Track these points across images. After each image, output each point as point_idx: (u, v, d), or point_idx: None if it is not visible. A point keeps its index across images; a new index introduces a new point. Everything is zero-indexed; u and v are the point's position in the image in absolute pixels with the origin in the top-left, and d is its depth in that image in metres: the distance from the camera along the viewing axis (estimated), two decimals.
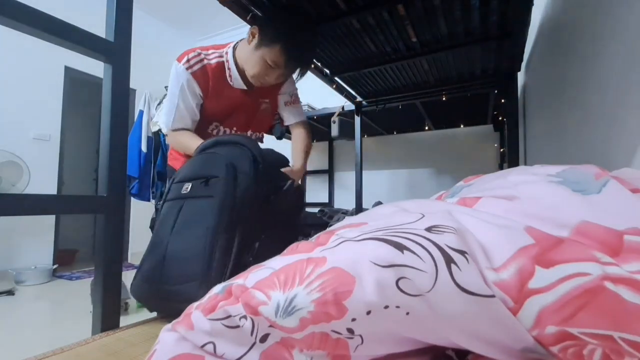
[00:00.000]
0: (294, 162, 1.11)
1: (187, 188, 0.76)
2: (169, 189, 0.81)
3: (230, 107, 1.06)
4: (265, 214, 0.81)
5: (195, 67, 0.97)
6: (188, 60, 0.97)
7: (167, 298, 0.66)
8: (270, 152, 0.89)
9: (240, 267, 0.66)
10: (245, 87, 1.03)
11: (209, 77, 1.00)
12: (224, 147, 0.84)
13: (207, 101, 1.03)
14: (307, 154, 1.17)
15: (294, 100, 1.22)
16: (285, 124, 1.25)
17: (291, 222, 0.89)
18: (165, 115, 1.02)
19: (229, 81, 1.02)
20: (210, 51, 1.01)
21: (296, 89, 1.23)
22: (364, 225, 0.38)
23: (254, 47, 0.95)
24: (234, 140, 0.85)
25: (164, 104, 1.06)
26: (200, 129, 1.09)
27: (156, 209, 0.84)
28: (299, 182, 1.02)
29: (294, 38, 0.92)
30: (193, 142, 0.96)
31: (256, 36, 0.94)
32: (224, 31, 4.74)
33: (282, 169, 0.92)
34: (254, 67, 0.97)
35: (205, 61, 0.99)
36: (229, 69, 1.01)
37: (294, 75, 1.05)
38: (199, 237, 0.68)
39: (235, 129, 1.12)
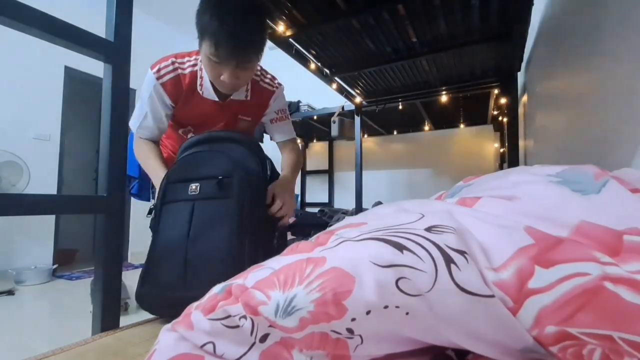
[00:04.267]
0: (282, 173, 1.04)
1: (196, 188, 0.72)
2: (164, 190, 0.77)
3: (202, 116, 1.02)
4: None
5: (166, 77, 0.93)
6: (159, 70, 0.93)
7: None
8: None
9: None
10: (216, 99, 0.97)
11: (182, 87, 0.95)
12: (222, 144, 0.80)
13: (179, 110, 1.00)
14: (295, 168, 1.11)
15: (280, 117, 1.14)
16: (275, 141, 1.20)
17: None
18: (133, 118, 0.99)
19: (199, 91, 0.96)
20: (185, 59, 0.96)
21: (285, 106, 1.15)
22: (363, 225, 0.38)
23: (199, 48, 0.86)
24: (229, 137, 0.82)
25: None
26: (173, 132, 1.09)
27: (151, 210, 0.81)
28: (285, 194, 0.92)
29: (221, 22, 0.79)
30: (151, 161, 0.95)
31: (198, 36, 0.85)
32: None
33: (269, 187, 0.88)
34: (207, 70, 0.89)
35: (179, 71, 0.94)
36: (201, 77, 0.95)
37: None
38: (224, 239, 0.68)
39: None
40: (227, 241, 0.68)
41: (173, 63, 0.94)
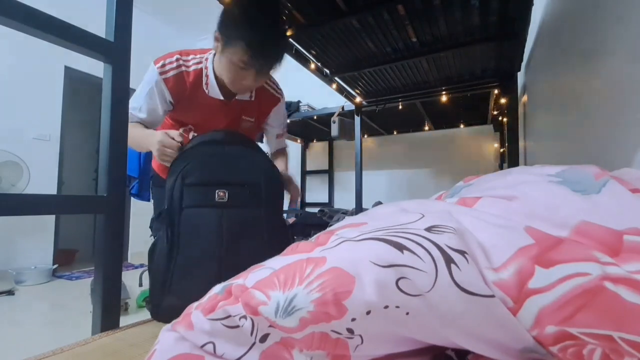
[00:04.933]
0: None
1: (225, 195, 0.70)
2: (181, 193, 0.71)
3: (205, 115, 1.01)
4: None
5: (170, 74, 0.93)
6: (163, 65, 0.93)
7: None
8: None
9: None
10: (222, 98, 0.98)
11: (186, 85, 0.95)
12: (238, 148, 0.78)
13: (180, 108, 1.00)
14: (287, 165, 1.21)
15: (284, 132, 1.24)
16: (272, 150, 1.27)
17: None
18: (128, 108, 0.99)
19: (205, 89, 0.97)
20: (190, 57, 0.97)
21: (285, 119, 1.24)
22: (363, 225, 0.38)
23: (220, 52, 0.88)
24: (241, 140, 0.80)
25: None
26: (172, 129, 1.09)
27: (160, 214, 0.77)
28: (292, 181, 1.09)
29: (254, 31, 0.83)
30: (137, 131, 0.92)
31: (219, 40, 0.88)
32: None
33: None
34: (227, 73, 0.91)
35: (183, 68, 0.95)
36: (206, 76, 0.96)
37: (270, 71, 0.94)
38: (256, 251, 0.65)
39: None
40: (261, 250, 0.68)
41: (177, 60, 0.95)
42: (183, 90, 0.96)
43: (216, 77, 0.96)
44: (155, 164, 1.19)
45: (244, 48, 0.83)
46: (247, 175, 0.72)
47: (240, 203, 0.70)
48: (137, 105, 0.96)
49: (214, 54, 0.96)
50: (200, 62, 0.97)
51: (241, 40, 0.83)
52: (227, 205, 0.70)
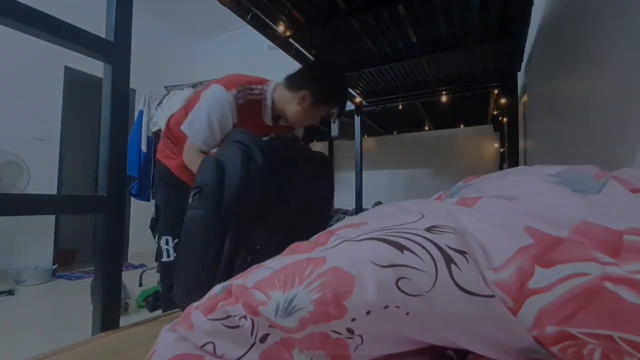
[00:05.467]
0: None
1: (191, 198, 0.71)
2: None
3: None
4: (275, 211, 0.76)
5: (240, 100, 1.07)
6: (237, 92, 1.06)
7: None
8: (280, 143, 0.88)
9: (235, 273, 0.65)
10: (271, 124, 1.19)
11: (248, 110, 1.10)
12: (226, 146, 0.80)
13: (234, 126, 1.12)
14: None
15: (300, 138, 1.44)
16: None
17: (317, 213, 0.88)
18: (196, 132, 1.06)
19: (263, 116, 1.16)
20: (253, 86, 1.12)
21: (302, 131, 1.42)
22: (364, 225, 0.38)
23: (308, 107, 1.11)
24: (236, 139, 0.80)
25: (195, 118, 1.05)
26: None
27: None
28: None
29: (343, 92, 1.18)
30: None
31: (307, 99, 1.09)
32: (224, 31, 4.74)
33: None
34: (309, 120, 1.18)
35: (249, 96, 1.10)
36: (265, 106, 1.15)
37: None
38: (194, 251, 0.69)
39: None
40: (197, 254, 0.67)
41: (245, 90, 1.09)
42: (245, 113, 1.10)
43: (273, 109, 1.16)
44: (173, 163, 1.21)
45: (334, 106, 1.15)
46: (205, 177, 0.70)
47: (194, 205, 0.69)
48: (211, 130, 1.04)
49: (273, 89, 1.16)
50: (261, 93, 1.14)
51: (334, 103, 1.15)
52: (190, 207, 0.70)
